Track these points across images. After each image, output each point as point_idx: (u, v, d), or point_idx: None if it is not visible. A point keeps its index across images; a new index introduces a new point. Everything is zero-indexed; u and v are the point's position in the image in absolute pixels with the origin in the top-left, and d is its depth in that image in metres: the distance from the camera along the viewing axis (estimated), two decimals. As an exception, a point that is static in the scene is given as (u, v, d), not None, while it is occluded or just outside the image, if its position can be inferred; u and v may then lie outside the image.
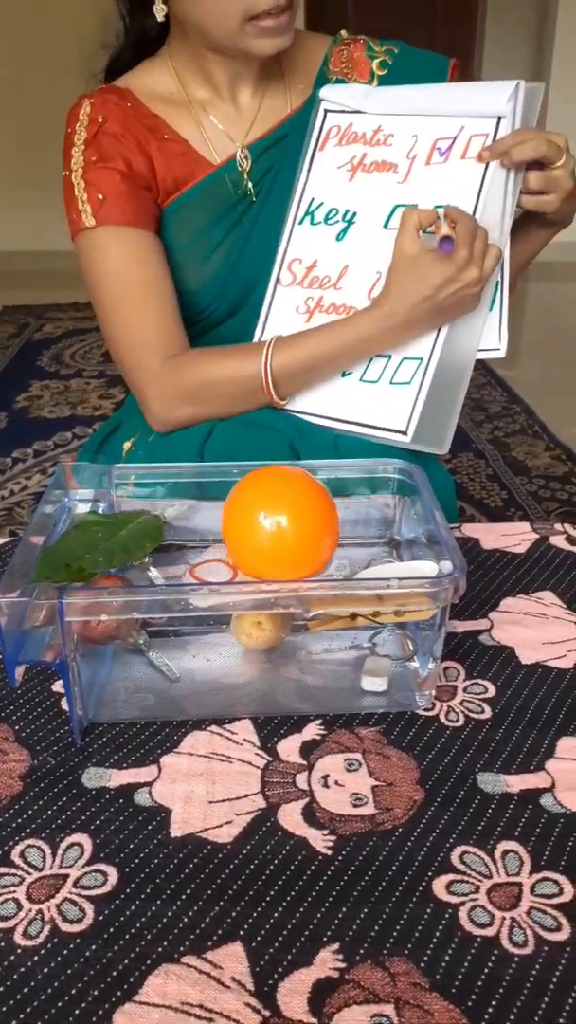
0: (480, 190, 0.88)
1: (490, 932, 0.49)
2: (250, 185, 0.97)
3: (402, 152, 0.93)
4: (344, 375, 0.92)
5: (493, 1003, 0.46)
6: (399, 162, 0.93)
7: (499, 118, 0.88)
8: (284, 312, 0.96)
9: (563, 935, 0.49)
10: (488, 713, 0.67)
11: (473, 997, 0.46)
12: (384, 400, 0.90)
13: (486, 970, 0.47)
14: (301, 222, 0.97)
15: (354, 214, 0.94)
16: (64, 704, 0.67)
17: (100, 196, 0.91)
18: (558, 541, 0.91)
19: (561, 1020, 0.45)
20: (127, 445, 1.02)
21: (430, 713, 0.66)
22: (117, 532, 0.68)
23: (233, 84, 0.97)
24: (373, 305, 0.87)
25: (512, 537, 0.91)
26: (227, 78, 0.96)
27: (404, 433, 0.88)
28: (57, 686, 0.69)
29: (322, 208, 0.96)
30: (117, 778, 0.60)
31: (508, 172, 0.87)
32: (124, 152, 0.93)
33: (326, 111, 0.97)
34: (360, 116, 0.96)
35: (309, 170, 0.97)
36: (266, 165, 0.98)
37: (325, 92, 0.97)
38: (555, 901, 0.51)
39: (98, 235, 0.92)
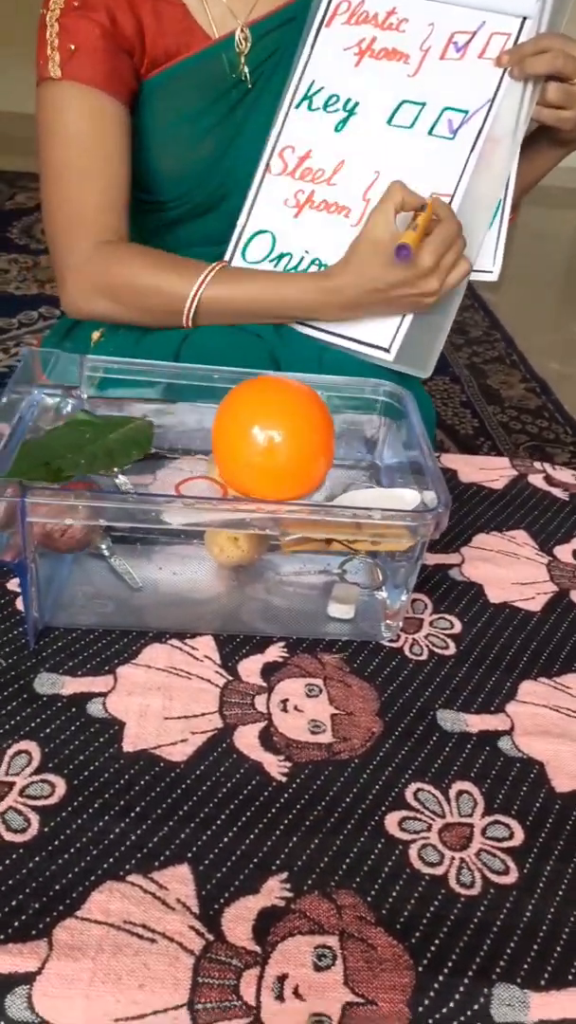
0: (494, 97, 0.81)
1: (439, 871, 0.49)
2: (246, 70, 0.88)
3: (416, 41, 0.85)
4: None
5: (436, 942, 0.46)
6: (411, 52, 0.85)
7: (524, 18, 0.81)
8: (271, 203, 0.89)
9: (510, 879, 0.49)
10: (453, 649, 0.66)
11: (417, 934, 0.46)
12: None
13: (432, 908, 0.47)
14: (298, 105, 0.89)
15: (356, 104, 0.87)
16: (19, 604, 0.64)
17: (72, 47, 0.81)
18: (536, 480, 0.89)
19: (501, 963, 0.45)
20: (96, 335, 0.96)
21: (395, 645, 0.65)
22: (106, 435, 0.64)
23: None
24: (324, 275, 0.81)
25: (490, 472, 0.89)
26: None
27: (387, 351, 0.84)
28: (12, 584, 0.66)
29: (322, 93, 0.88)
30: (71, 686, 0.58)
31: (526, 80, 0.81)
32: (112, 5, 0.83)
33: None
34: None
35: (312, 48, 0.89)
36: (268, 49, 0.89)
37: None
38: (505, 845, 0.51)
39: (61, 89, 0.83)
